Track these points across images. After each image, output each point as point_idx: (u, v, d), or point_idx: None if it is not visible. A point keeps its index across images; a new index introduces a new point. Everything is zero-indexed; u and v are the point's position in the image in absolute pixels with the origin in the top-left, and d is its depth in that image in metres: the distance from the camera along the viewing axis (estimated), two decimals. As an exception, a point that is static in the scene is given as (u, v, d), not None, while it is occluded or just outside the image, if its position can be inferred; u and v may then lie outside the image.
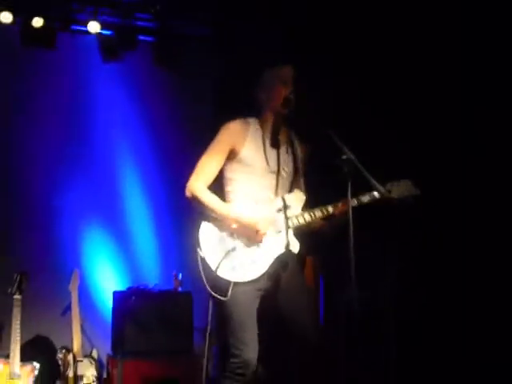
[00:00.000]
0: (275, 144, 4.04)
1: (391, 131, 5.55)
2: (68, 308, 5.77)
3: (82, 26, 6.28)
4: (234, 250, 3.84)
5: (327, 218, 3.94)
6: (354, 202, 3.80)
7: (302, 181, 4.10)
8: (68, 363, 5.57)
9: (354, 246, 3.44)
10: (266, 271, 3.87)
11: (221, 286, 3.79)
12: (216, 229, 3.89)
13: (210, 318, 3.90)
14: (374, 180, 3.60)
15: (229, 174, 4.02)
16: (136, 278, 6.55)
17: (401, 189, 3.92)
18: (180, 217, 6.28)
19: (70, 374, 5.52)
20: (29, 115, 6.48)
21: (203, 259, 3.80)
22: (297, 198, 4.03)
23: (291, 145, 4.11)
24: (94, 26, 6.24)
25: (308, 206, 4.03)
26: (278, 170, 4.00)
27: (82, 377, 5.56)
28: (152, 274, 6.66)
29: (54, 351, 5.71)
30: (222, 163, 3.98)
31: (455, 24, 5.17)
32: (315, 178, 4.24)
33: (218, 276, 3.78)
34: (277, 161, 4.00)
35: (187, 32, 6.58)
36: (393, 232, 5.53)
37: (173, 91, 6.86)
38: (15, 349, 5.08)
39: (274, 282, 3.91)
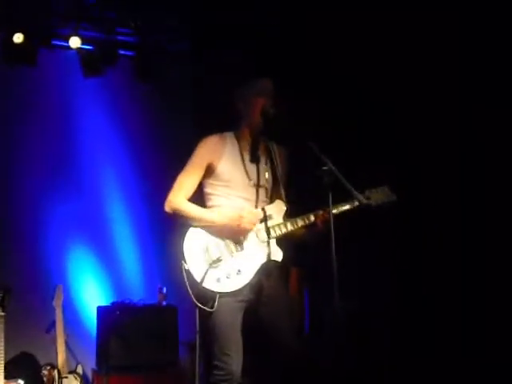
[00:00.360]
0: (254, 157, 4.05)
1: (370, 136, 5.61)
2: (52, 324, 5.74)
3: (62, 41, 6.27)
4: (218, 260, 3.84)
5: (309, 226, 3.96)
6: (334, 211, 3.82)
7: (282, 191, 4.11)
8: (53, 379, 5.54)
9: (339, 254, 3.47)
10: (250, 281, 3.88)
11: (206, 297, 3.79)
12: (200, 240, 3.89)
13: (197, 330, 3.89)
14: (353, 189, 3.62)
15: (208, 189, 4.04)
16: (120, 292, 6.53)
17: (379, 195, 3.98)
18: (162, 231, 6.26)
19: (55, 390, 5.50)
20: (11, 132, 6.47)
21: (188, 271, 3.80)
22: (278, 208, 4.04)
23: (270, 156, 4.12)
24: (74, 41, 6.24)
25: (289, 215, 4.04)
26: (258, 183, 4.01)
27: (67, 393, 5.54)
28: (136, 289, 6.65)
29: (38, 368, 5.68)
30: (200, 179, 4.01)
31: (441, 27, 5.23)
32: (296, 187, 4.26)
33: (203, 287, 3.78)
34: (256, 174, 4.02)
35: (167, 46, 6.60)
36: (377, 238, 5.57)
37: (153, 105, 6.87)
38: (-1, 366, 5.05)
39: (256, 293, 3.92)
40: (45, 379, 5.54)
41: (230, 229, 3.89)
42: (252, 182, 4.00)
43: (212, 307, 3.76)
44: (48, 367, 5.59)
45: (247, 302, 3.90)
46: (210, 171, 4.00)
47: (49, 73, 6.49)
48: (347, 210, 3.91)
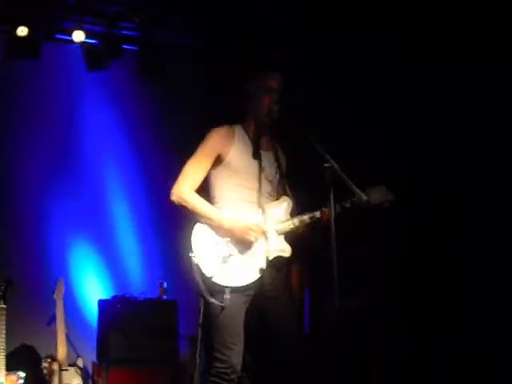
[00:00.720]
0: (259, 151, 4.06)
1: (371, 136, 5.63)
2: (53, 317, 5.76)
3: (66, 35, 6.27)
4: (229, 256, 3.86)
5: (314, 223, 3.97)
6: (337, 209, 3.84)
7: (287, 187, 4.13)
8: (53, 372, 5.56)
9: (342, 253, 3.49)
10: (259, 277, 3.89)
11: (215, 291, 3.80)
12: (210, 234, 3.90)
13: (200, 323, 3.91)
14: (355, 187, 3.64)
15: (214, 179, 4.02)
16: (121, 286, 6.54)
17: (377, 194, 3.98)
18: (164, 226, 6.33)
19: (56, 382, 5.51)
20: (15, 125, 6.47)
21: (197, 265, 3.80)
22: (284, 204, 4.06)
23: (275, 152, 4.14)
24: (78, 35, 6.22)
25: (294, 211, 4.06)
26: (261, 175, 4.02)
27: (67, 385, 5.56)
28: (137, 283, 6.66)
29: (39, 360, 5.69)
30: (208, 168, 3.98)
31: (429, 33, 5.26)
32: (298, 184, 4.28)
33: (213, 282, 3.80)
34: (261, 167, 4.03)
35: (171, 41, 6.59)
36: (378, 238, 5.59)
37: (157, 100, 6.87)
38: (0, 358, 5.06)
39: (262, 287, 3.93)
40: (45, 372, 5.56)
41: (236, 235, 3.89)
42: (258, 173, 4.00)
43: (221, 301, 3.77)
44: (48, 360, 5.60)
45: (252, 296, 3.92)
46: (218, 161, 3.98)
47: (52, 66, 6.48)
48: (348, 209, 3.92)
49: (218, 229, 3.89)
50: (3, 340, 5.10)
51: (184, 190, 3.90)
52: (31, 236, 6.43)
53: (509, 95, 4.89)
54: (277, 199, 4.09)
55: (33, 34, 6.09)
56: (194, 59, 6.74)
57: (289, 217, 4.02)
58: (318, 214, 3.96)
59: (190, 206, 3.90)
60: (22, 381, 5.19)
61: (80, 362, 5.74)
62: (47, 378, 5.54)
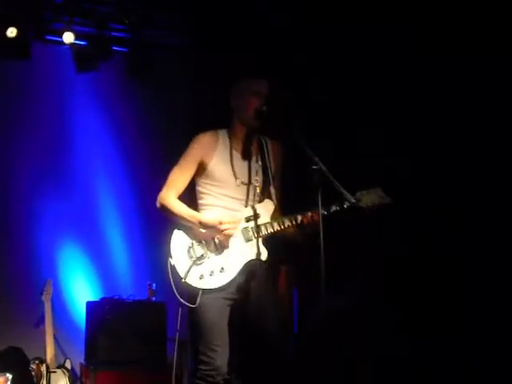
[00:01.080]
0: (245, 155, 4.08)
1: (365, 138, 5.65)
2: (41, 318, 5.75)
3: (56, 36, 6.26)
4: (202, 257, 3.89)
5: (297, 226, 3.97)
6: (323, 212, 3.81)
7: (272, 190, 4.12)
8: (41, 374, 5.55)
9: (334, 252, 3.50)
10: (234, 279, 3.91)
11: (190, 293, 3.84)
12: (186, 237, 3.95)
13: (178, 326, 3.94)
14: (343, 189, 3.64)
15: (199, 187, 4.07)
16: (110, 288, 6.53)
17: (371, 197, 3.95)
18: (152, 228, 6.30)
19: (43, 384, 5.51)
20: (4, 127, 6.46)
21: (173, 267, 3.86)
22: (266, 207, 4.07)
23: (262, 154, 4.14)
24: (68, 37, 6.20)
25: (279, 214, 4.06)
26: (248, 182, 4.03)
27: (55, 387, 5.55)
28: (126, 285, 6.65)
29: (27, 362, 5.68)
30: (192, 176, 4.04)
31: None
32: (287, 186, 4.28)
33: (186, 283, 3.84)
34: (247, 172, 4.04)
35: (161, 42, 6.58)
36: (368, 238, 5.60)
37: (147, 102, 6.86)
38: (-13, 360, 5.06)
39: (242, 293, 3.94)
40: (33, 373, 5.56)
41: (210, 235, 3.91)
42: (239, 181, 4.02)
43: (194, 303, 3.81)
44: (36, 361, 5.60)
45: (233, 300, 3.93)
46: (201, 169, 4.02)
47: (42, 67, 6.47)
48: (336, 212, 3.91)
49: (198, 231, 3.93)
50: (-9, 341, 5.10)
51: (167, 198, 3.99)
52: (20, 237, 6.41)
53: (509, 95, 4.91)
54: (261, 201, 4.09)
55: (22, 35, 6.07)
56: (183, 59, 6.74)
57: (269, 220, 4.02)
58: (299, 218, 3.94)
59: (172, 212, 3.97)
60: (9, 382, 5.18)
61: (68, 364, 5.74)
62: (35, 379, 5.54)
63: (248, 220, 3.97)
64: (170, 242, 3.93)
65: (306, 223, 3.91)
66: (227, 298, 3.91)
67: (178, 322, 3.92)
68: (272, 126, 4.01)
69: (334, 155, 5.32)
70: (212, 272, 3.88)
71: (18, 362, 5.80)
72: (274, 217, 4.05)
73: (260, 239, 3.98)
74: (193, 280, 3.84)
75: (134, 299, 6.20)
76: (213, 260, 3.90)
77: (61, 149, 6.71)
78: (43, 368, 5.56)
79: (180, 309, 3.89)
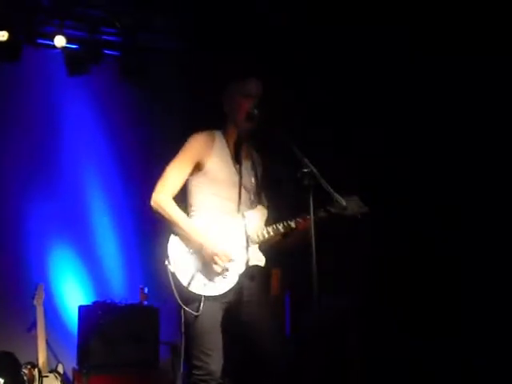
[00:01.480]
0: (238, 158, 4.06)
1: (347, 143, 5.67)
2: (33, 323, 5.73)
3: (47, 39, 6.25)
4: (204, 265, 3.85)
5: (290, 232, 3.97)
6: (316, 215, 3.81)
7: (263, 196, 4.14)
8: (33, 378, 5.53)
9: (326, 255, 3.50)
10: (235, 285, 3.89)
11: (190, 300, 3.81)
12: (185, 243, 3.90)
13: (182, 331, 3.91)
14: (334, 192, 3.64)
15: (193, 186, 4.01)
16: (102, 292, 6.52)
17: (351, 205, 3.94)
18: (145, 231, 6.31)
19: (36, 389, 5.49)
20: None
21: (173, 274, 3.81)
22: (259, 214, 4.07)
23: (253, 160, 4.14)
24: (59, 40, 6.20)
25: (269, 220, 4.06)
26: (240, 184, 4.02)
27: (47, 392, 5.53)
28: (118, 289, 6.65)
29: (19, 367, 5.65)
30: (187, 175, 3.97)
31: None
32: (276, 191, 4.28)
33: (189, 291, 3.81)
34: (239, 175, 4.02)
35: (153, 46, 6.58)
36: (367, 238, 5.62)
37: (139, 105, 6.86)
38: (-20, 365, 5.04)
39: (238, 295, 3.93)
40: (25, 378, 5.53)
41: (204, 255, 3.87)
42: (234, 182, 4.00)
43: (197, 310, 3.78)
44: (28, 366, 5.58)
45: (228, 304, 3.92)
46: (197, 169, 3.97)
47: (33, 71, 6.46)
48: (325, 217, 3.91)
49: (191, 241, 3.89)
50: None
51: (162, 198, 3.89)
52: (10, 240, 6.38)
53: (509, 95, 4.92)
54: (254, 208, 4.08)
55: (13, 39, 6.06)
56: (177, 62, 6.74)
57: (263, 226, 4.01)
58: (292, 223, 3.95)
59: (166, 215, 3.89)
60: (1, 387, 5.16)
61: (60, 369, 5.71)
62: (27, 384, 5.52)
63: (244, 227, 3.95)
64: (167, 248, 3.87)
65: (300, 228, 3.91)
66: (223, 302, 3.90)
67: (182, 328, 3.88)
68: (263, 129, 4.00)
69: (333, 155, 5.37)
70: (213, 278, 3.85)
71: (10, 367, 5.77)
72: (267, 223, 4.04)
73: (256, 245, 3.97)
74: (196, 287, 3.81)
75: (126, 303, 6.17)
76: (214, 267, 3.87)
77: (52, 151, 6.70)
78: (35, 372, 5.54)
79: (182, 314, 3.85)
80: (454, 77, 5.18)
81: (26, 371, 5.55)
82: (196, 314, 3.78)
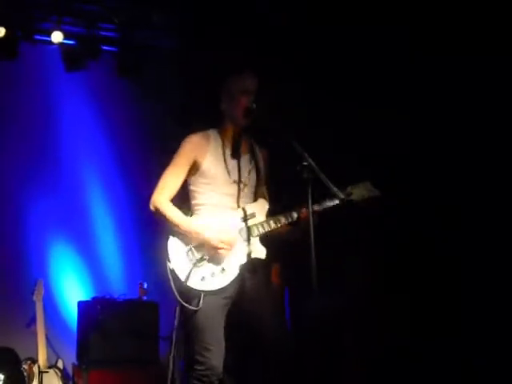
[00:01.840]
0: (236, 154, 4.07)
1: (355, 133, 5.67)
2: (33, 318, 5.74)
3: (44, 35, 6.25)
4: (202, 259, 3.87)
5: (293, 223, 3.98)
6: (317, 207, 3.85)
7: (264, 189, 4.15)
8: (33, 374, 5.54)
9: (324, 250, 3.51)
10: (235, 279, 3.91)
11: (190, 295, 3.82)
12: (183, 241, 3.92)
13: (175, 327, 3.92)
14: (333, 186, 3.65)
15: (192, 187, 4.05)
16: (101, 287, 6.53)
17: (360, 191, 3.97)
18: (144, 227, 6.28)
19: (36, 384, 5.50)
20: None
21: (172, 271, 3.83)
22: (260, 207, 4.07)
23: (253, 154, 4.15)
24: (57, 36, 6.20)
25: (271, 213, 4.07)
26: (239, 181, 4.03)
27: (47, 387, 5.55)
28: (117, 284, 6.66)
29: (18, 362, 5.66)
30: (185, 176, 4.01)
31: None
32: (277, 184, 4.29)
33: (188, 286, 3.82)
34: (237, 171, 4.04)
35: (150, 42, 6.58)
36: (367, 238, 5.62)
37: (137, 101, 6.86)
38: (-20, 360, 5.05)
39: (240, 290, 3.94)
40: (25, 374, 5.54)
41: (208, 247, 3.90)
42: (233, 179, 4.02)
43: (197, 306, 3.79)
44: (28, 362, 5.59)
45: (231, 299, 3.93)
46: (194, 169, 4.00)
47: (31, 67, 6.47)
48: (330, 207, 3.92)
49: (193, 237, 3.91)
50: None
51: (161, 201, 3.94)
52: (9, 236, 6.39)
53: (508, 95, 4.93)
54: (254, 201, 4.10)
55: (11, 35, 6.07)
56: (174, 59, 6.73)
57: (265, 218, 4.03)
58: (294, 215, 3.96)
59: (165, 216, 3.93)
60: (1, 383, 5.17)
61: (60, 364, 5.73)
62: (27, 380, 5.52)
63: (245, 220, 3.97)
64: (167, 246, 3.90)
65: (302, 219, 3.91)
66: (225, 298, 3.90)
67: (175, 323, 3.90)
68: (261, 123, 4.01)
69: (332, 156, 5.37)
70: (213, 273, 3.87)
71: (10, 363, 5.78)
72: (268, 215, 4.05)
73: (257, 238, 3.98)
74: (194, 283, 3.83)
75: (125, 298, 6.19)
76: (213, 261, 3.89)
77: (50, 147, 6.71)
78: (35, 368, 5.55)
79: (178, 310, 3.87)
80: (454, 77, 5.18)
81: (26, 367, 5.56)
82: (196, 308, 3.79)
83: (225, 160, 4.03)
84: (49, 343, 5.79)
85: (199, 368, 3.82)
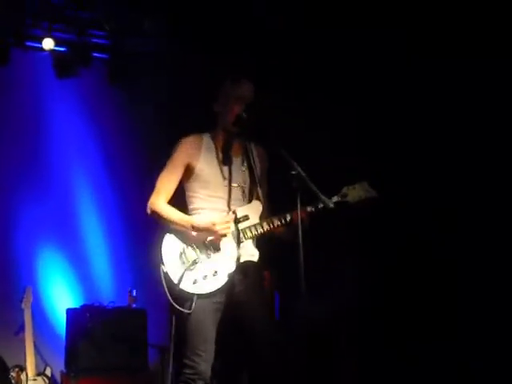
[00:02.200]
0: (228, 158, 4.07)
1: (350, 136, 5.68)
2: (21, 326, 5.72)
3: (35, 42, 6.25)
4: (195, 262, 3.88)
5: (286, 225, 3.98)
6: (310, 209, 3.88)
7: (260, 191, 4.13)
8: (21, 382, 5.53)
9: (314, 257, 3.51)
10: (227, 282, 3.90)
11: (183, 299, 3.83)
12: (177, 242, 3.94)
13: (173, 333, 3.93)
14: (321, 194, 3.65)
15: (188, 191, 4.07)
16: (90, 295, 6.51)
17: (357, 191, 3.99)
18: (134, 234, 6.32)
19: (23, 392, 5.48)
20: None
21: (166, 273, 3.84)
22: (254, 209, 4.07)
23: (247, 156, 4.15)
24: (48, 43, 6.20)
25: (266, 215, 4.07)
26: (230, 182, 4.03)
27: (35, 395, 5.52)
28: (106, 291, 6.64)
29: (6, 370, 5.64)
30: (179, 180, 4.04)
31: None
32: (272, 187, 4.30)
33: (180, 289, 3.83)
34: (229, 174, 4.04)
35: (141, 49, 6.58)
36: (364, 241, 5.63)
37: (128, 108, 6.85)
38: (-33, 368, 5.03)
39: (231, 293, 3.93)
40: (13, 381, 5.52)
41: (203, 237, 3.91)
42: (226, 182, 4.02)
43: (189, 309, 3.80)
44: (16, 369, 5.58)
45: (222, 303, 3.92)
46: (189, 172, 4.02)
47: (22, 74, 6.46)
48: (323, 208, 3.89)
49: (190, 234, 3.92)
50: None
51: (158, 203, 3.99)
52: (-1, 244, 6.38)
53: (506, 98, 4.95)
54: (248, 203, 4.10)
55: (2, 41, 6.06)
56: (166, 66, 6.73)
57: (258, 220, 4.03)
58: (288, 216, 3.96)
59: (163, 217, 3.97)
60: (-11, 390, 5.15)
61: (48, 372, 5.72)
62: (15, 387, 5.51)
63: (237, 222, 3.96)
64: (160, 249, 3.91)
65: (295, 221, 3.90)
66: (217, 302, 3.90)
67: (173, 329, 3.90)
68: (251, 132, 4.02)
69: (330, 159, 5.38)
70: (205, 276, 3.88)
71: (-2, 370, 5.78)
72: (262, 217, 4.06)
73: (251, 240, 4.00)
74: (187, 285, 3.83)
75: (114, 306, 6.17)
76: (205, 264, 3.90)
77: (40, 153, 6.70)
78: (23, 376, 5.53)
79: (173, 316, 3.87)
80: (450, 80, 5.20)
81: (13, 374, 5.55)
82: (188, 311, 3.80)
83: (218, 163, 4.04)
84: (37, 351, 5.78)
85: (188, 372, 3.83)
